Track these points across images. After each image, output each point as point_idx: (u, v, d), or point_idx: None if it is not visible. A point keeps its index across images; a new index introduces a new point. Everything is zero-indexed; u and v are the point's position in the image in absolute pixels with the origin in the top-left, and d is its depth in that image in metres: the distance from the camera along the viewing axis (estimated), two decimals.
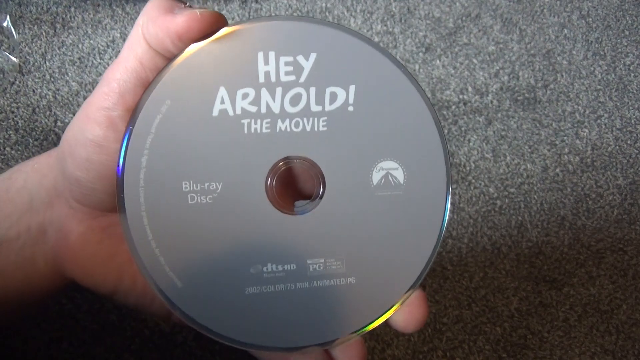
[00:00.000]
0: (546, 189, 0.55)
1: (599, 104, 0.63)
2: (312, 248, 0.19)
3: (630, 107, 0.63)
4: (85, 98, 0.61)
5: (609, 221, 0.54)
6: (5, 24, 0.61)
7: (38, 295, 0.26)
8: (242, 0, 0.70)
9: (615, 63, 0.67)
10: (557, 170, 0.57)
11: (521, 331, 0.47)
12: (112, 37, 0.65)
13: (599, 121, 0.61)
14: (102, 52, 0.65)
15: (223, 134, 0.19)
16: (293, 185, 0.23)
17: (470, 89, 0.63)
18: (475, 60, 0.66)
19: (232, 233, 0.19)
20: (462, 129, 0.59)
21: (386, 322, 0.21)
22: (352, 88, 0.19)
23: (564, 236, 0.52)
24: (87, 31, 0.66)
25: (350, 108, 0.19)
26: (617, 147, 0.59)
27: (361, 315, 0.20)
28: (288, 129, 0.19)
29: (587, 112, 0.62)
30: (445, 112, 0.60)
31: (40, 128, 0.59)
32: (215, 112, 0.19)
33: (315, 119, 0.19)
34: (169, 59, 0.19)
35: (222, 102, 0.19)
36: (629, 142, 0.60)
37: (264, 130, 0.19)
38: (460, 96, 0.62)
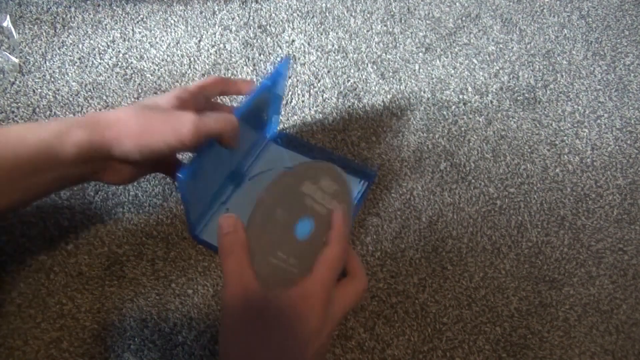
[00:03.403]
0: (546, 189, 0.55)
1: (599, 104, 0.63)
2: None
3: (630, 107, 0.63)
4: (85, 98, 0.61)
5: (609, 221, 0.54)
6: (5, 24, 0.61)
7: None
8: (242, 0, 0.71)
9: (615, 63, 0.67)
10: (557, 170, 0.57)
11: (521, 331, 0.47)
12: (112, 37, 0.65)
13: (598, 121, 0.61)
14: (102, 52, 0.65)
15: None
16: None
17: (470, 89, 0.63)
18: (475, 60, 0.66)
19: None
20: (462, 129, 0.59)
21: None
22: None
23: (564, 236, 0.52)
24: (87, 31, 0.66)
25: None
26: (617, 147, 0.59)
27: None
28: None
29: (587, 112, 0.62)
30: (445, 112, 0.60)
31: None
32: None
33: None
34: None
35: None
36: (628, 142, 0.60)
37: None
38: (460, 96, 0.62)
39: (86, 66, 0.64)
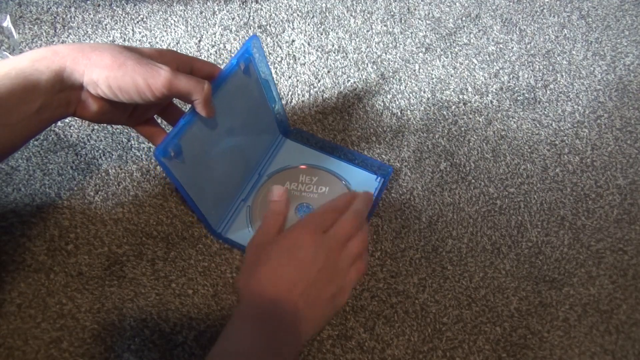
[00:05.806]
0: (546, 189, 0.55)
1: (599, 104, 0.63)
2: None
3: (630, 107, 0.63)
4: None
5: (609, 221, 0.54)
6: (5, 24, 0.61)
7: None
8: (242, 0, 0.71)
9: (615, 63, 0.67)
10: (557, 170, 0.57)
11: (521, 331, 0.47)
12: (112, 37, 0.65)
13: (598, 121, 0.61)
14: None
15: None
16: None
17: (470, 89, 0.63)
18: (475, 60, 0.66)
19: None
20: (462, 129, 0.59)
21: None
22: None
23: (564, 236, 0.52)
24: (87, 31, 0.66)
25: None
26: (617, 147, 0.59)
27: None
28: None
29: (587, 112, 0.62)
30: (445, 112, 0.60)
31: None
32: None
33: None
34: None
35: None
36: (628, 142, 0.60)
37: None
38: (460, 96, 0.62)
39: None
